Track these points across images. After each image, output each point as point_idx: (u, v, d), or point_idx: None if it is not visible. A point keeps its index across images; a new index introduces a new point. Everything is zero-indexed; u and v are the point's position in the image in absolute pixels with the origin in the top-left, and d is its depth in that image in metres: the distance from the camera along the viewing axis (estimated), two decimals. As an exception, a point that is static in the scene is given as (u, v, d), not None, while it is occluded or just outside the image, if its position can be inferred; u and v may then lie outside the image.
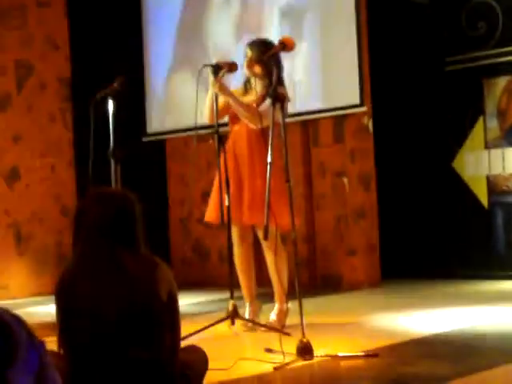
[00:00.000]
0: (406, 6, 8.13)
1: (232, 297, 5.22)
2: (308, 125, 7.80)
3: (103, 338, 2.88)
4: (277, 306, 5.41)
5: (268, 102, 4.88)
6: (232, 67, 5.40)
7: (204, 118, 5.48)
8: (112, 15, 8.55)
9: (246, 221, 5.33)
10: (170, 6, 8.70)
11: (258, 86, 5.43)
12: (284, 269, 5.32)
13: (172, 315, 3.01)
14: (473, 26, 7.79)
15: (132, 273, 2.92)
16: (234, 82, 6.04)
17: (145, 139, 8.80)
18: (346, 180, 7.61)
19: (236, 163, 5.42)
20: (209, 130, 5.76)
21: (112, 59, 8.16)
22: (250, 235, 5.53)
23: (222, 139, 5.28)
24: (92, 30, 8.44)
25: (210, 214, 5.47)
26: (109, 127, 5.31)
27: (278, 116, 4.67)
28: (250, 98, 5.41)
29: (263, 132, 5.09)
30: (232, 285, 5.30)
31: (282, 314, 5.34)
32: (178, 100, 8.56)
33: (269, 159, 4.58)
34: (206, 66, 5.43)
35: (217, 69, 5.32)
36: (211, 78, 5.31)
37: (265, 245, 5.32)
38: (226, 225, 5.31)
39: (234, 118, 5.48)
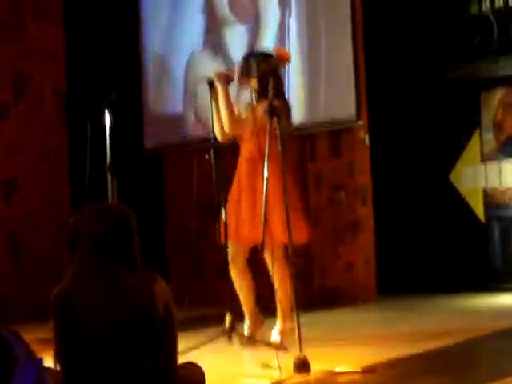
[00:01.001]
0: (402, 19, 8.13)
1: (230, 313, 5.19)
2: (304, 139, 7.79)
3: (100, 352, 2.87)
4: (278, 324, 5.37)
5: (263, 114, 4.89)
6: (227, 78, 5.41)
7: (218, 137, 5.46)
8: (109, 27, 8.56)
9: (247, 240, 5.27)
10: (168, 19, 8.70)
11: (254, 98, 5.42)
12: (286, 287, 5.25)
13: (169, 329, 3.00)
14: (469, 38, 7.81)
15: (129, 286, 2.91)
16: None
17: (142, 153, 8.79)
18: (342, 194, 7.61)
19: (242, 183, 5.41)
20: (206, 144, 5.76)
21: (109, 71, 8.18)
22: (247, 252, 5.51)
23: (219, 153, 5.28)
24: (89, 42, 8.44)
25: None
26: (106, 140, 5.30)
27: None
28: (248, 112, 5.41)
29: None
30: (230, 300, 5.28)
31: (285, 334, 5.24)
32: (175, 113, 8.56)
33: (265, 174, 4.59)
34: (203, 78, 5.46)
35: (212, 83, 5.35)
36: (218, 85, 5.33)
37: (267, 258, 5.26)
38: (226, 241, 5.29)
39: (238, 137, 5.46)
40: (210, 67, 7.94)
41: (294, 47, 7.50)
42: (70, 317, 2.91)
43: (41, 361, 1.89)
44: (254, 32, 8.01)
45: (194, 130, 8.31)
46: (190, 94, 8.36)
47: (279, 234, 4.94)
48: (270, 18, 7.91)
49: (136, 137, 8.68)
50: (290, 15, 7.75)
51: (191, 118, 8.39)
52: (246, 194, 5.36)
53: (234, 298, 5.48)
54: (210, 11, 8.41)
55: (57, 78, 8.36)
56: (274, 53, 5.00)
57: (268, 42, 7.74)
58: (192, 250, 8.46)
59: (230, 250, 5.41)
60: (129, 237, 2.99)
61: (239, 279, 5.50)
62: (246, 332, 5.45)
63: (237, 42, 8.10)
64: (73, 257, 3.01)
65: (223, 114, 5.34)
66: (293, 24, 7.72)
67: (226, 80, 5.39)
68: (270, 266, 5.29)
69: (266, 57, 5.45)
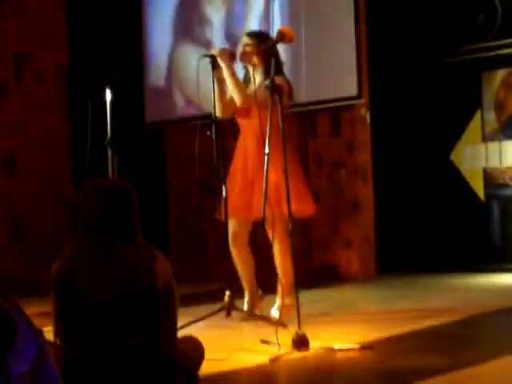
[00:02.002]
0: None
1: (229, 288, 5.22)
2: (305, 116, 7.79)
3: (100, 326, 2.89)
4: (278, 301, 5.40)
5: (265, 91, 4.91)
6: (231, 56, 5.41)
7: (218, 114, 5.46)
8: (111, 3, 8.53)
9: (253, 214, 5.29)
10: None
11: (256, 76, 5.41)
12: (287, 263, 5.26)
13: (169, 305, 3.01)
14: (471, 18, 7.78)
15: (129, 262, 2.92)
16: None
17: (143, 129, 8.78)
18: (342, 172, 7.62)
19: (245, 159, 5.43)
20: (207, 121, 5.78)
21: (111, 48, 8.16)
22: (247, 229, 5.53)
23: (220, 130, 5.29)
24: (90, 19, 8.42)
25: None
26: (106, 117, 5.30)
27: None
28: (250, 89, 5.42)
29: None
30: (230, 276, 5.30)
31: (283, 309, 5.25)
32: (177, 89, 8.55)
33: (266, 150, 4.61)
34: (204, 55, 5.46)
35: (214, 60, 5.35)
36: (221, 59, 5.33)
37: (272, 236, 5.27)
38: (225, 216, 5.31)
39: (243, 113, 5.47)
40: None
41: (296, 26, 7.48)
42: (70, 292, 2.92)
43: (42, 333, 1.91)
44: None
45: (192, 107, 8.30)
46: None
47: (282, 207, 4.96)
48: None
49: (137, 113, 8.68)
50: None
51: (192, 93, 8.38)
52: (248, 170, 5.38)
53: (234, 274, 5.51)
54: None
55: (58, 54, 8.34)
56: (278, 30, 4.98)
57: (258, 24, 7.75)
58: (192, 226, 8.47)
59: (231, 226, 5.45)
60: (129, 212, 3.00)
61: (239, 255, 5.54)
62: (245, 307, 5.48)
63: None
64: (73, 232, 3.02)
65: (233, 89, 5.36)
66: (294, 2, 7.71)
67: (230, 57, 5.39)
68: (272, 242, 5.31)
69: (267, 35, 5.50)
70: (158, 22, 8.77)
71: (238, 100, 5.37)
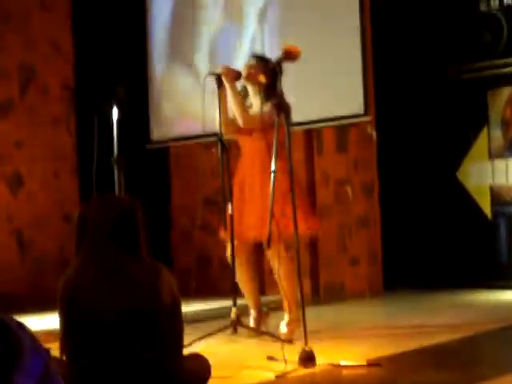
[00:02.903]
0: (411, 16, 8.12)
1: (235, 304, 5.21)
2: (312, 133, 7.79)
3: (106, 342, 2.88)
4: (286, 316, 5.38)
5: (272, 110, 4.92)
6: (236, 75, 5.43)
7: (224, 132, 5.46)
8: (116, 20, 8.55)
9: (255, 233, 5.28)
10: (176, 11, 8.71)
11: (260, 96, 5.41)
12: (292, 278, 5.24)
13: (175, 320, 3.01)
14: (478, 36, 7.79)
15: (135, 278, 2.92)
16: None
17: (148, 147, 8.79)
18: (349, 189, 7.61)
19: (247, 177, 5.42)
20: (212, 138, 5.78)
21: (117, 65, 8.18)
22: (250, 247, 5.53)
23: (225, 147, 5.29)
24: (96, 35, 8.44)
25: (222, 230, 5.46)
26: (113, 134, 5.31)
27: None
28: (253, 109, 5.42)
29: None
30: (235, 292, 5.29)
31: (293, 325, 5.22)
32: (182, 107, 8.57)
33: (272, 167, 4.60)
34: (210, 74, 5.48)
35: (220, 79, 5.37)
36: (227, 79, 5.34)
37: (270, 255, 5.28)
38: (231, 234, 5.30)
39: (245, 132, 5.47)
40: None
41: (301, 43, 7.49)
42: (76, 307, 2.92)
43: (48, 352, 1.90)
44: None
45: (199, 125, 8.31)
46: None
47: (287, 227, 4.95)
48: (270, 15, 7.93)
49: (143, 131, 8.69)
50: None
51: (197, 111, 8.39)
52: (253, 191, 5.38)
53: (239, 291, 5.50)
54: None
55: (64, 71, 8.36)
56: (284, 48, 4.99)
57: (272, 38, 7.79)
58: (197, 243, 8.46)
59: (235, 243, 5.43)
60: (135, 228, 3.00)
61: (243, 272, 5.52)
62: (251, 324, 5.47)
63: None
64: (80, 246, 3.02)
65: (236, 109, 5.36)
66: (300, 20, 7.73)
67: (235, 76, 5.41)
68: (273, 263, 5.30)
69: (269, 59, 5.51)
70: (159, 39, 8.82)
71: (240, 121, 5.36)
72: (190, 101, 8.47)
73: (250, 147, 5.46)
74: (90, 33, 8.45)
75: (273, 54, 5.41)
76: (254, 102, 5.48)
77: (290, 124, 4.93)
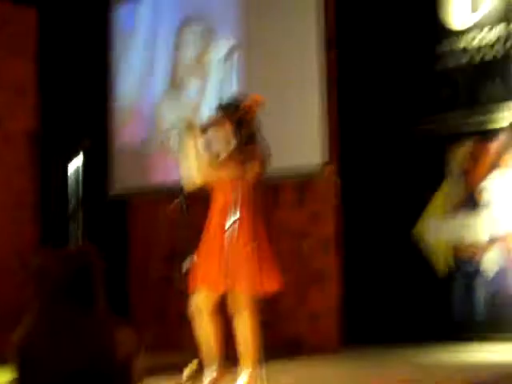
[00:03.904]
0: (374, 72, 8.22)
1: (193, 360, 5.13)
2: (269, 186, 7.79)
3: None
4: (243, 373, 5.31)
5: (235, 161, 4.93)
6: (201, 128, 5.43)
7: (196, 180, 5.44)
8: (80, 68, 8.56)
9: (219, 287, 5.24)
10: (137, 57, 8.76)
11: (227, 146, 5.41)
12: (251, 333, 5.21)
13: (129, 376, 2.96)
14: (436, 92, 7.90)
15: (90, 334, 2.87)
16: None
17: (109, 197, 8.74)
18: (305, 243, 7.61)
19: (215, 228, 5.39)
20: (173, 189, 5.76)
21: (79, 114, 8.17)
22: (214, 301, 5.46)
23: (186, 200, 5.27)
24: (60, 82, 8.43)
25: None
26: (73, 185, 5.29)
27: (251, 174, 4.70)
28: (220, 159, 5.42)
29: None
30: (193, 347, 5.22)
31: (251, 382, 5.16)
32: (144, 159, 8.55)
33: (232, 220, 4.59)
34: (172, 127, 5.49)
35: (184, 130, 5.37)
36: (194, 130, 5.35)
37: (234, 308, 5.23)
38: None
39: (214, 186, 5.46)
40: (175, 111, 8.06)
41: (262, 92, 7.55)
42: (30, 363, 2.86)
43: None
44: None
45: (160, 176, 8.30)
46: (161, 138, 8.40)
47: (249, 281, 4.92)
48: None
49: (104, 181, 8.65)
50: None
51: (159, 162, 8.38)
52: (218, 241, 5.34)
53: (197, 346, 5.42)
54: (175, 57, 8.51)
55: (28, 118, 8.31)
56: (245, 98, 5.01)
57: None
58: (155, 296, 8.39)
59: (199, 297, 5.37)
60: (92, 283, 2.95)
61: (204, 327, 5.44)
62: (208, 381, 5.39)
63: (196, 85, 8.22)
64: (34, 300, 2.97)
65: (194, 164, 5.34)
66: (262, 71, 7.79)
67: (200, 129, 5.40)
68: (233, 318, 5.26)
69: (238, 105, 5.49)
70: (123, 90, 8.84)
71: (197, 176, 5.34)
72: (151, 152, 8.48)
73: (217, 198, 5.45)
74: (55, 78, 8.43)
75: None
76: (221, 151, 5.48)
77: (261, 173, 4.93)
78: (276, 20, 7.83)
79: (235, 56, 8.08)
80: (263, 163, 5.38)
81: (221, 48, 8.20)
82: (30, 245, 8.14)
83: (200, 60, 8.38)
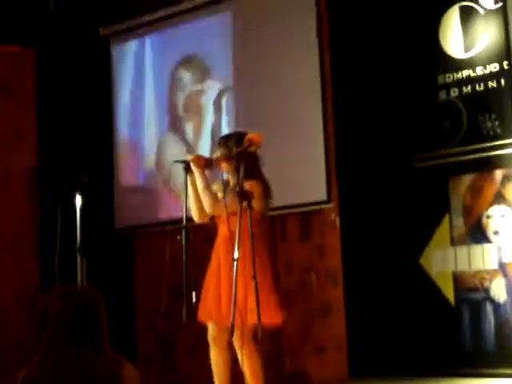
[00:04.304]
0: (373, 103, 8.26)
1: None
2: (275, 220, 7.82)
3: None
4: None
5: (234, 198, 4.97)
6: (206, 162, 5.47)
7: (195, 218, 5.50)
8: (81, 108, 8.61)
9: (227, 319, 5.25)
10: (140, 96, 8.83)
11: (230, 181, 5.48)
12: (256, 368, 5.21)
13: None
14: (438, 124, 7.93)
15: (96, 372, 2.88)
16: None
17: (113, 234, 8.76)
18: (313, 276, 7.61)
19: (219, 263, 5.42)
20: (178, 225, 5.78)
21: (80, 153, 8.20)
22: (226, 335, 5.48)
23: (190, 235, 5.29)
24: (60, 124, 8.48)
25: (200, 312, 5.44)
26: (76, 222, 5.30)
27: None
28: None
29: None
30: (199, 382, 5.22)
31: None
32: (148, 194, 8.59)
33: (235, 255, 4.61)
34: (177, 161, 5.51)
35: (188, 166, 5.40)
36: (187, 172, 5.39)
37: (235, 343, 5.26)
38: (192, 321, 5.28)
39: (218, 219, 5.49)
40: (175, 149, 8.14)
41: (261, 129, 7.62)
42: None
43: None
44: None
45: (164, 211, 8.32)
46: (164, 174, 8.44)
47: (250, 315, 4.94)
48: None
49: (107, 218, 8.67)
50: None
51: (164, 199, 8.41)
52: (222, 275, 5.38)
53: (204, 381, 5.43)
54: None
55: (28, 158, 8.35)
56: (246, 137, 5.06)
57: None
58: (161, 332, 8.37)
59: (210, 330, 5.40)
60: (96, 320, 2.97)
61: (218, 358, 5.45)
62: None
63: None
64: (41, 340, 2.98)
65: (203, 198, 5.38)
66: (261, 107, 7.85)
67: (205, 164, 5.44)
68: (238, 353, 5.26)
69: (240, 140, 5.54)
70: (128, 124, 8.90)
71: (207, 208, 5.40)
72: (155, 188, 8.51)
73: (221, 233, 5.48)
74: (55, 121, 8.49)
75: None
76: (218, 188, 5.53)
77: (264, 207, 4.96)
78: (271, 59, 7.89)
79: (225, 98, 8.14)
80: (266, 198, 5.42)
81: (214, 89, 8.27)
82: (33, 284, 8.13)
83: (195, 100, 8.44)
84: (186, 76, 8.56)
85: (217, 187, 5.57)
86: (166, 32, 8.75)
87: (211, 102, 8.27)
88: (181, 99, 8.62)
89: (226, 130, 7.92)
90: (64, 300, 2.97)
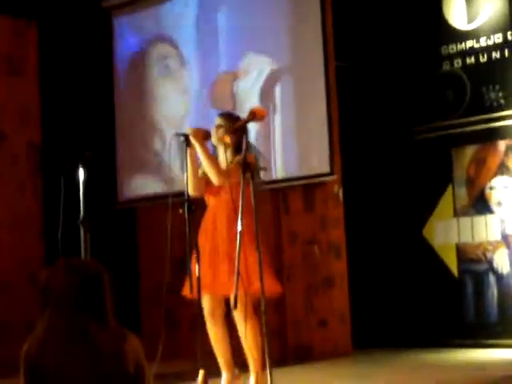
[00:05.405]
0: (375, 75, 8.24)
1: (203, 367, 5.15)
2: (278, 193, 7.82)
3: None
4: (252, 378, 5.35)
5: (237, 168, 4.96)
6: (205, 135, 5.46)
7: (190, 193, 5.49)
8: (83, 83, 8.59)
9: (225, 291, 5.27)
10: (141, 72, 8.79)
11: (228, 155, 5.46)
12: (257, 338, 5.25)
13: (140, 387, 2.97)
14: (441, 95, 7.91)
15: (99, 345, 2.88)
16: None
17: (116, 207, 8.77)
18: (316, 248, 7.61)
19: (214, 235, 5.42)
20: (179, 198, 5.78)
21: (85, 126, 8.20)
22: (222, 305, 5.51)
23: (192, 208, 5.29)
24: (63, 98, 8.47)
25: (186, 287, 5.45)
26: (79, 196, 5.30)
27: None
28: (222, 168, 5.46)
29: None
30: (201, 354, 5.24)
31: None
32: (150, 168, 8.58)
33: (239, 228, 4.61)
34: (177, 134, 5.50)
35: (188, 139, 5.39)
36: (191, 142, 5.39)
37: (236, 315, 5.29)
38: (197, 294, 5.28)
39: (213, 191, 5.49)
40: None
41: (267, 104, 7.60)
42: (39, 374, 2.87)
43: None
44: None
45: (168, 185, 8.32)
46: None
47: (252, 285, 4.96)
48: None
49: (110, 192, 8.67)
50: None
51: (164, 171, 8.40)
52: (218, 248, 5.38)
53: (207, 352, 5.44)
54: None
55: (32, 134, 8.35)
56: (250, 109, 5.04)
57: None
58: (165, 304, 8.38)
59: (206, 303, 5.41)
60: (100, 293, 2.97)
61: (217, 331, 5.49)
62: (223, 385, 5.43)
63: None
64: (43, 312, 2.99)
65: (210, 168, 5.37)
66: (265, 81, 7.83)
67: (204, 136, 5.44)
68: (240, 324, 5.29)
69: (238, 116, 5.59)
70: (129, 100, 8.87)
71: (215, 179, 5.38)
72: (157, 161, 8.50)
73: (217, 206, 5.47)
74: (58, 96, 8.47)
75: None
76: (222, 160, 5.52)
77: (257, 182, 4.96)
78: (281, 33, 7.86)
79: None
80: (255, 171, 5.41)
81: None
82: (36, 258, 8.16)
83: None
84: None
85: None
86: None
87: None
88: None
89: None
90: (68, 273, 2.97)
